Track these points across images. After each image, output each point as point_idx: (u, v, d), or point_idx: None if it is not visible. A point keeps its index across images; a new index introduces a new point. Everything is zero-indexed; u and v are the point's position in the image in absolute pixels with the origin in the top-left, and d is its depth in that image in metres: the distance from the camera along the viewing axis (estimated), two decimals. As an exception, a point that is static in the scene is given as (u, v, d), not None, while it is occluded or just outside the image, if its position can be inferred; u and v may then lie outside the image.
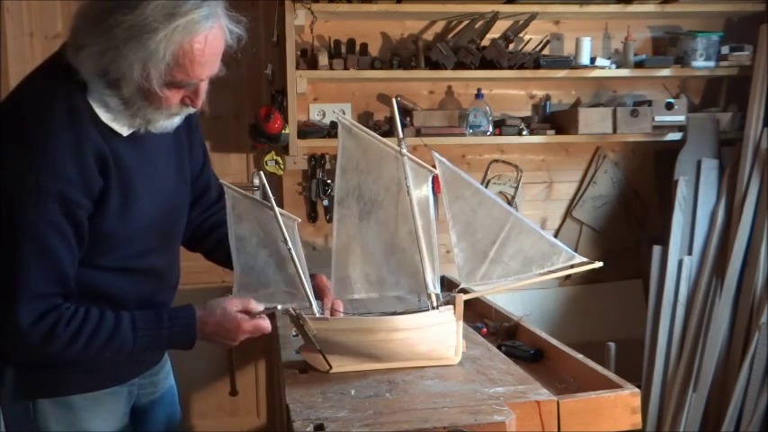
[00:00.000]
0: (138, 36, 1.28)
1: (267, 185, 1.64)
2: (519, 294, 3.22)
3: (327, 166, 3.16)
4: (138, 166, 1.44)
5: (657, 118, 3.21)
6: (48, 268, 1.34)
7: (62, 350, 1.37)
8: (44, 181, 1.29)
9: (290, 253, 1.60)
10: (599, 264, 1.64)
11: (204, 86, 1.42)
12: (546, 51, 3.17)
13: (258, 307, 1.54)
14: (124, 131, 1.42)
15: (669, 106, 3.24)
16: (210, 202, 1.77)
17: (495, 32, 3.09)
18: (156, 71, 1.31)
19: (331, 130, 3.03)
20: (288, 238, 1.59)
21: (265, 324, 1.53)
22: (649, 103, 3.23)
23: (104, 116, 1.39)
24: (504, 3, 3.07)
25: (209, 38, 1.34)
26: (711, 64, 3.21)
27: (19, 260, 1.31)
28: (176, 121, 1.46)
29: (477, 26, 3.12)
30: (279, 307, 1.55)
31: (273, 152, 3.06)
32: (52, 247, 1.33)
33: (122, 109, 1.38)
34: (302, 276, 1.60)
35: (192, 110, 1.46)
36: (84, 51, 1.32)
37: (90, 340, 1.38)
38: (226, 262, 1.75)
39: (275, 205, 1.61)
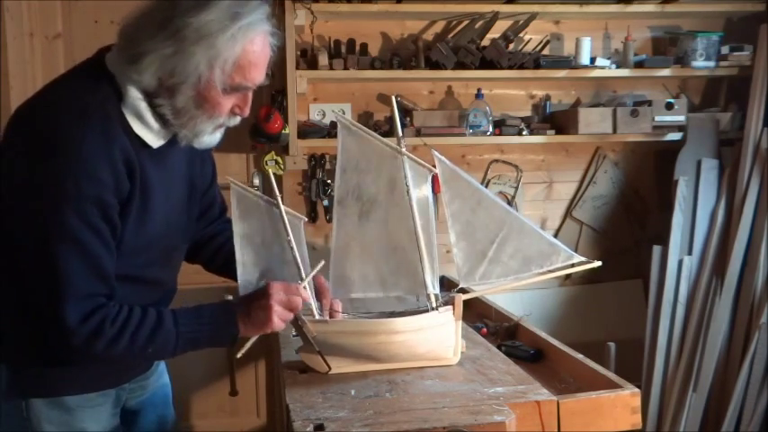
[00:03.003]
0: (207, 36, 1.32)
1: (275, 184, 1.65)
2: (519, 294, 3.22)
3: (327, 166, 3.16)
4: (157, 179, 1.46)
5: (657, 118, 3.21)
6: (91, 269, 1.36)
7: (107, 347, 1.38)
8: (83, 185, 1.31)
9: (293, 252, 1.60)
10: (597, 263, 1.64)
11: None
12: (546, 51, 3.17)
13: (299, 287, 1.55)
14: (154, 143, 1.44)
15: (669, 106, 3.24)
16: (213, 218, 1.79)
17: (495, 32, 3.09)
18: (221, 72, 1.35)
19: (331, 130, 3.03)
20: (292, 237, 1.60)
21: (298, 298, 1.53)
22: (649, 103, 3.23)
23: (136, 126, 1.41)
24: (504, 3, 3.07)
25: (264, 41, 1.40)
26: (711, 64, 3.21)
27: (62, 262, 1.32)
28: (218, 136, 1.49)
29: (477, 26, 3.12)
30: None
31: (273, 152, 3.06)
32: (93, 249, 1.35)
33: (172, 118, 1.40)
34: (303, 276, 1.60)
35: (237, 120, 1.48)
36: (148, 58, 1.33)
37: (134, 336, 1.39)
38: (223, 270, 1.77)
39: (282, 203, 1.62)
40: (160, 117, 1.41)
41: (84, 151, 1.31)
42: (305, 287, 1.58)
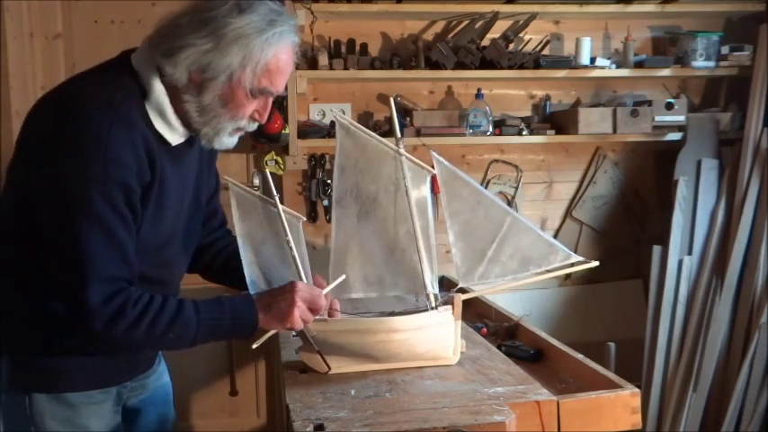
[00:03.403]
0: (244, 36, 1.39)
1: (272, 185, 1.66)
2: (519, 294, 3.22)
3: (327, 166, 3.16)
4: (172, 178, 1.49)
5: (657, 118, 3.21)
6: (115, 252, 1.38)
7: (128, 330, 1.39)
8: (109, 169, 1.34)
9: (292, 252, 1.60)
10: (595, 263, 1.65)
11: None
12: (546, 51, 3.17)
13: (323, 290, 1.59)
14: (173, 141, 1.47)
15: (669, 106, 3.24)
16: (213, 228, 1.82)
17: (495, 32, 3.09)
18: (251, 73, 1.41)
19: (331, 130, 3.03)
20: (290, 237, 1.60)
21: (323, 300, 1.56)
22: (649, 103, 3.23)
23: (157, 123, 1.44)
24: (504, 3, 3.07)
25: (291, 52, 1.47)
26: (711, 64, 3.21)
27: (87, 244, 1.35)
28: (234, 140, 1.53)
29: (477, 26, 3.12)
30: None
31: (273, 152, 3.07)
32: (118, 232, 1.37)
33: (196, 115, 1.44)
34: (302, 276, 1.61)
35: (255, 126, 1.53)
36: (186, 51, 1.38)
37: (155, 320, 1.41)
38: (220, 276, 1.80)
39: (279, 204, 1.62)
40: (181, 116, 1.45)
41: (111, 137, 1.34)
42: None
